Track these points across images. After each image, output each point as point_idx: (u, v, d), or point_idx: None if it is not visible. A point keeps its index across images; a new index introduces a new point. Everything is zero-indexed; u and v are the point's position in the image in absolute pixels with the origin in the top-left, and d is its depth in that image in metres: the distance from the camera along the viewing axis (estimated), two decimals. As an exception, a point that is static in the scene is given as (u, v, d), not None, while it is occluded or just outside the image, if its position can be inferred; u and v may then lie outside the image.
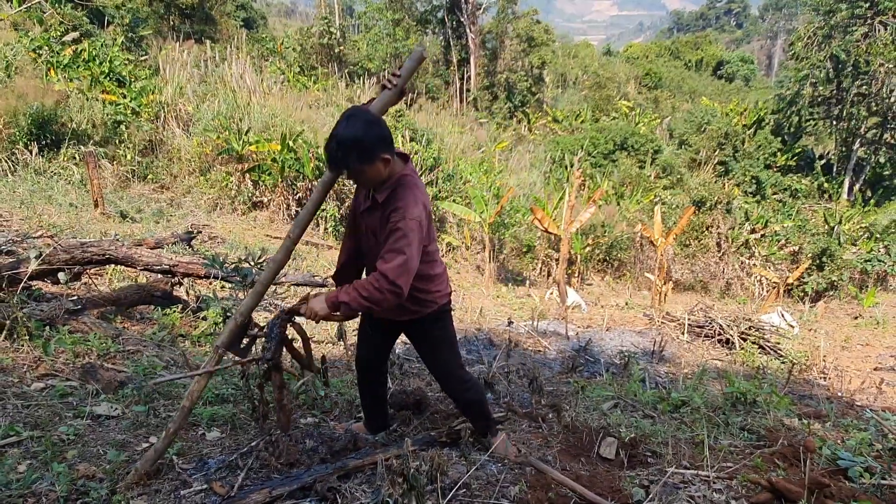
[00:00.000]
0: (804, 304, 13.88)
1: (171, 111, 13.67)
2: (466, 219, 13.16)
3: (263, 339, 2.69)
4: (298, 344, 2.93)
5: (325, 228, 12.69)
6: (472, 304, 9.45)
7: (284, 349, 2.75)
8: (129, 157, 12.25)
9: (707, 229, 15.74)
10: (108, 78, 13.32)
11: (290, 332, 2.76)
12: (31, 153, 10.74)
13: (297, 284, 6.57)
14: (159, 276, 5.59)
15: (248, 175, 12.69)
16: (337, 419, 3.38)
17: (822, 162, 27.08)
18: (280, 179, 12.67)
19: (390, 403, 3.47)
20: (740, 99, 34.21)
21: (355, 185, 2.75)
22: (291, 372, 2.83)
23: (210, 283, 6.49)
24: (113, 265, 5.65)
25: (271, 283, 2.70)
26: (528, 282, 12.73)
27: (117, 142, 12.31)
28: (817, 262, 14.98)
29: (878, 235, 17.85)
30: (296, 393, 3.47)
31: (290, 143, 12.58)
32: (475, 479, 2.62)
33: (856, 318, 12.50)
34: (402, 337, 3.07)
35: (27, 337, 3.70)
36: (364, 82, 21.89)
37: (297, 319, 2.75)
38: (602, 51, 51.94)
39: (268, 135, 13.17)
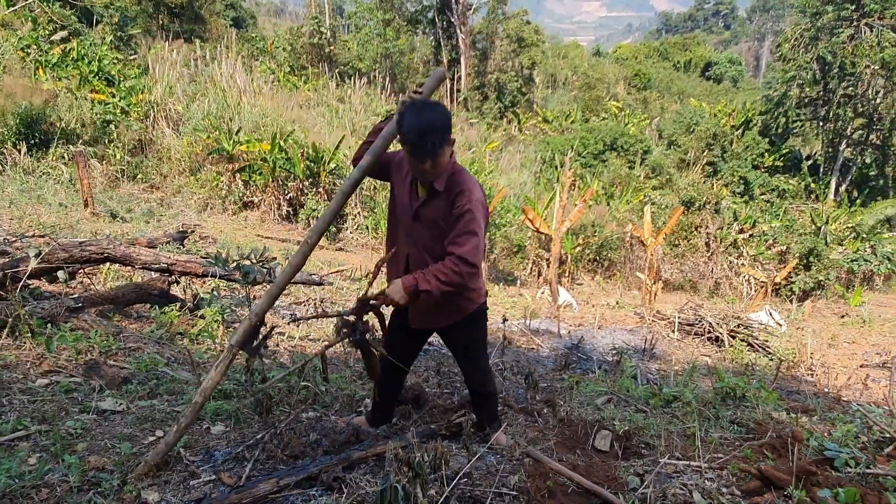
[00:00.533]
0: (792, 303, 14.07)
1: (160, 110, 13.64)
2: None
3: (344, 326, 2.75)
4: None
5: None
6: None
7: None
8: (118, 156, 12.22)
9: (696, 229, 15.89)
10: (97, 77, 13.28)
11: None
12: (19, 153, 10.71)
13: (296, 283, 6.60)
14: (155, 275, 5.62)
15: (238, 175, 12.70)
16: (338, 413, 3.44)
17: (809, 162, 27.39)
18: (271, 179, 12.69)
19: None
20: (728, 100, 34.53)
21: (395, 187, 2.80)
22: (374, 347, 2.89)
23: (203, 283, 6.54)
24: (109, 264, 5.68)
25: (287, 285, 2.76)
26: (518, 281, 12.82)
27: (106, 141, 12.28)
28: (804, 261, 15.18)
29: (864, 235, 18.10)
30: (297, 389, 3.53)
31: (281, 143, 12.60)
32: (476, 469, 2.69)
33: (842, 316, 12.68)
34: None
35: (29, 334, 3.74)
36: (354, 82, 21.92)
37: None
38: (591, 51, 52.24)
39: (258, 135, 13.17)
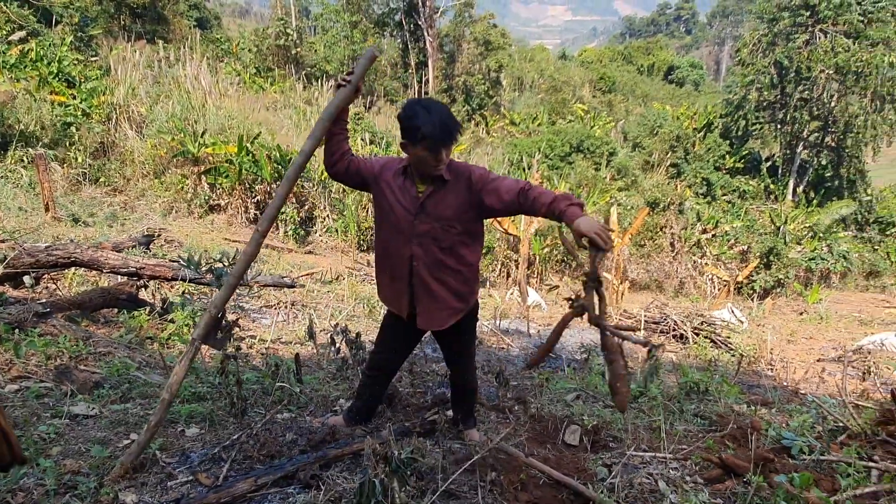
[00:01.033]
0: (753, 300, 14.47)
1: (123, 112, 13.39)
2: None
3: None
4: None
5: (286, 232, 12.62)
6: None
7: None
8: (79, 159, 11.96)
9: (661, 230, 16.23)
10: (56, 78, 12.96)
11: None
12: (-23, 156, 10.43)
13: (267, 286, 6.59)
14: (122, 279, 5.56)
15: (204, 178, 12.53)
16: (312, 414, 3.47)
17: (768, 164, 28.09)
18: (237, 182, 12.55)
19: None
20: (690, 103, 35.24)
21: (382, 194, 2.80)
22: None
23: (172, 287, 6.48)
24: (74, 269, 5.60)
25: (243, 274, 2.77)
26: (488, 283, 12.93)
27: (67, 144, 12.00)
28: (765, 260, 15.63)
29: (821, 235, 18.70)
30: (271, 390, 3.55)
31: (248, 146, 12.47)
32: (451, 464, 2.76)
33: (801, 313, 13.10)
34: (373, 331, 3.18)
35: (-4, 340, 3.68)
36: (322, 84, 21.81)
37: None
38: (557, 55, 52.80)
39: (224, 137, 13.03)
